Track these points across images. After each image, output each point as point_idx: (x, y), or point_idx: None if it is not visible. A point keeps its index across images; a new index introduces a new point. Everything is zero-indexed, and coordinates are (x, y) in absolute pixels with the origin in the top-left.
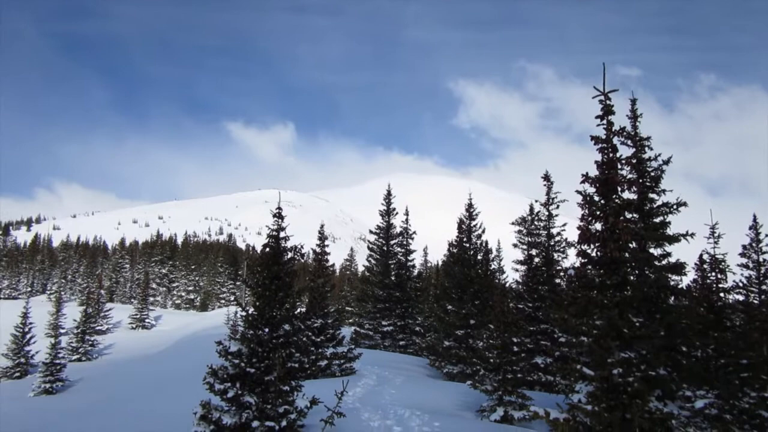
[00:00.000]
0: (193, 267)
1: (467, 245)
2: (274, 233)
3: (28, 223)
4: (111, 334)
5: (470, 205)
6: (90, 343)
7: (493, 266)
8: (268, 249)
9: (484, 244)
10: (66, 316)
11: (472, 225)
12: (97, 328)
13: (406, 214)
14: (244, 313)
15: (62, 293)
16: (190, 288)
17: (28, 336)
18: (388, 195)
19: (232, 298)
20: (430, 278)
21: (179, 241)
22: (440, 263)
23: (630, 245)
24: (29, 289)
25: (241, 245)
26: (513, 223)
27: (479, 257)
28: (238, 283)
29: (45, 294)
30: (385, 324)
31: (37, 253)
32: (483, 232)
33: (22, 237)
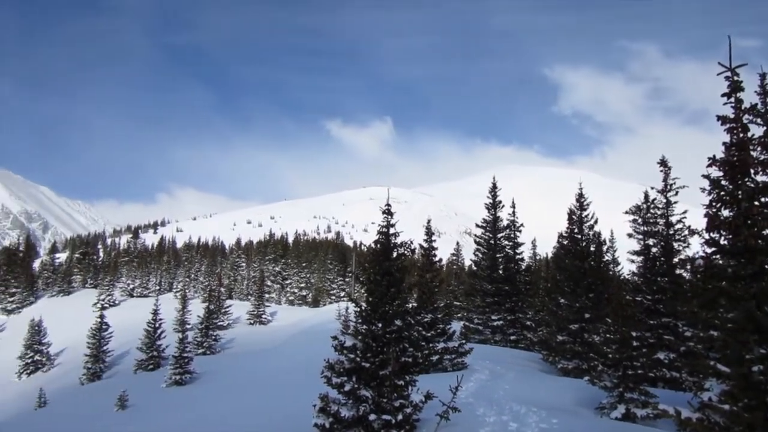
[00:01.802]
0: (304, 264)
1: (579, 236)
2: (384, 230)
3: (154, 226)
4: (231, 329)
5: (581, 195)
6: (213, 337)
7: (606, 258)
8: (378, 245)
9: (596, 235)
10: (191, 313)
11: (583, 215)
12: (219, 323)
13: (513, 206)
14: (356, 309)
15: (187, 291)
16: (302, 285)
17: (158, 331)
18: (494, 188)
19: (342, 294)
20: (540, 271)
21: (290, 239)
22: (550, 256)
23: (766, 232)
24: (158, 287)
25: (349, 242)
26: (627, 212)
27: (592, 249)
28: (347, 279)
29: (172, 292)
30: (495, 318)
31: (163, 254)
32: (595, 222)
33: (150, 239)
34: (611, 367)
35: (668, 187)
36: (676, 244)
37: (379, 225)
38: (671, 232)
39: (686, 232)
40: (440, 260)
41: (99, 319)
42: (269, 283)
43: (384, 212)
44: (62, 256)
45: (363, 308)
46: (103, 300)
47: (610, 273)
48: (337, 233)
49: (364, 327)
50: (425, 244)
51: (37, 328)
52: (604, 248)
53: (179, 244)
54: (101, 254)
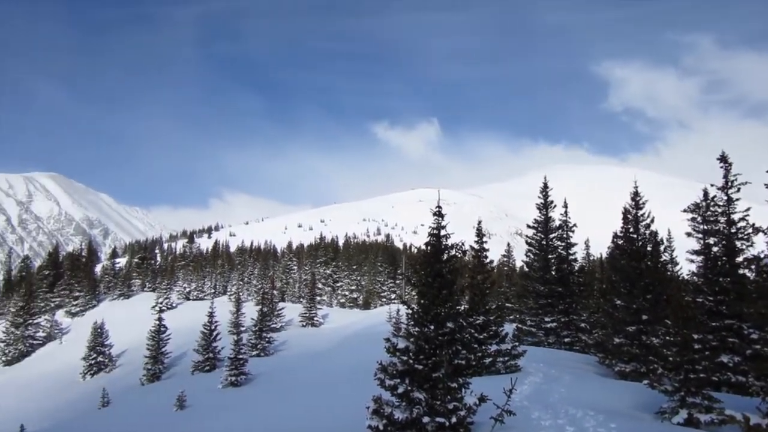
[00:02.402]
0: (354, 267)
1: (634, 236)
2: (435, 231)
3: (209, 231)
4: (284, 331)
5: (636, 194)
6: (267, 339)
7: (664, 258)
8: (429, 247)
9: (652, 235)
10: (245, 315)
11: (638, 214)
12: (272, 325)
13: (565, 206)
14: (408, 311)
15: (240, 294)
16: (353, 287)
17: (214, 333)
18: (545, 188)
19: (393, 296)
20: (594, 272)
21: (340, 242)
22: (604, 256)
23: None
24: (213, 290)
25: (399, 244)
26: (685, 211)
27: (648, 248)
28: (397, 281)
29: (226, 295)
30: (548, 320)
31: (217, 258)
32: (651, 221)
33: (204, 244)
34: (672, 371)
35: (729, 183)
36: (738, 243)
37: (430, 227)
38: (733, 231)
39: (750, 231)
40: (491, 262)
41: (157, 322)
42: (320, 285)
43: (434, 214)
44: (122, 261)
45: (415, 310)
46: (161, 303)
47: (668, 273)
48: (387, 235)
49: (416, 329)
50: (476, 246)
51: (99, 330)
52: (662, 248)
53: (233, 248)
54: (159, 259)
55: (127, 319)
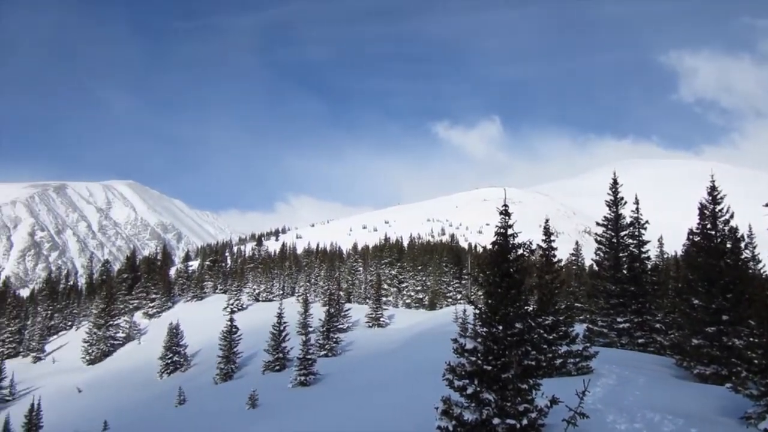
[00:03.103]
0: (419, 267)
1: (712, 233)
2: (502, 230)
3: (276, 233)
4: (351, 332)
5: (713, 188)
6: (334, 340)
7: (745, 255)
8: (496, 246)
9: (732, 231)
10: (312, 316)
11: (716, 210)
12: (339, 326)
13: (636, 202)
14: (475, 311)
15: (308, 295)
16: (419, 288)
17: (283, 334)
18: (614, 183)
19: (459, 296)
20: (669, 270)
21: (405, 243)
22: (679, 254)
23: None
24: (281, 292)
25: (464, 244)
26: (766, 205)
27: (728, 245)
28: (463, 281)
29: (294, 296)
30: (620, 321)
31: (285, 259)
32: (731, 217)
33: (272, 246)
34: (757, 374)
35: None
36: None
37: (496, 226)
38: None
39: None
40: (559, 261)
41: (229, 323)
42: (386, 286)
43: (501, 213)
44: (194, 264)
45: (482, 310)
46: (232, 304)
47: (750, 271)
48: (452, 235)
49: (484, 329)
50: (544, 245)
51: (174, 331)
52: (742, 244)
53: (299, 250)
54: (229, 261)
55: (200, 320)
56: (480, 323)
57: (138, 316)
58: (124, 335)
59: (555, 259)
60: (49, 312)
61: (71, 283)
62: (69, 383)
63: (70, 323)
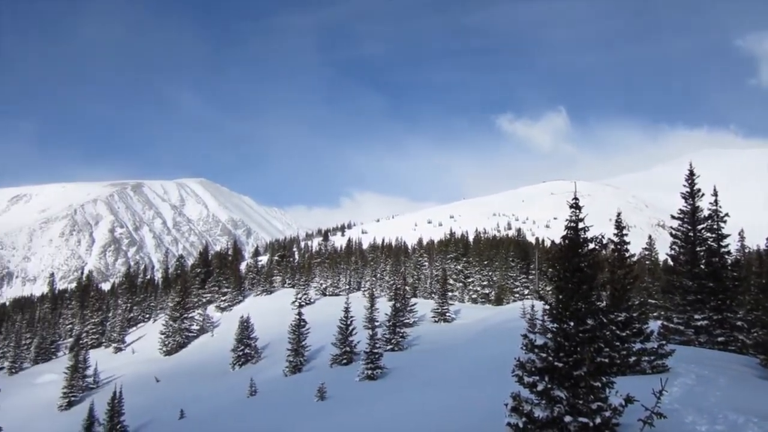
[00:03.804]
0: (485, 262)
1: None
2: (573, 224)
3: (342, 229)
4: (417, 326)
5: None
6: (400, 334)
7: None
8: (566, 241)
9: None
10: (378, 310)
11: None
12: (405, 321)
13: (714, 194)
14: (545, 307)
15: (374, 290)
16: (485, 283)
17: (350, 328)
18: (691, 175)
19: (526, 291)
20: (751, 265)
21: (470, 238)
22: (762, 248)
23: None
24: (347, 286)
25: (530, 239)
26: None
27: None
28: (530, 276)
29: (360, 291)
30: (698, 318)
31: (351, 254)
32: None
33: (338, 241)
34: None
35: None
36: None
37: (566, 220)
38: None
39: None
40: (632, 255)
41: (297, 317)
42: (452, 281)
43: (571, 206)
44: (263, 259)
45: (552, 306)
46: (300, 299)
47: None
48: (518, 230)
49: (555, 325)
50: (615, 239)
51: (245, 324)
52: None
53: (365, 245)
54: (296, 256)
55: (270, 314)
56: (550, 319)
57: (211, 309)
58: (198, 328)
59: (627, 254)
60: (129, 305)
61: (148, 277)
62: (147, 373)
63: (148, 315)
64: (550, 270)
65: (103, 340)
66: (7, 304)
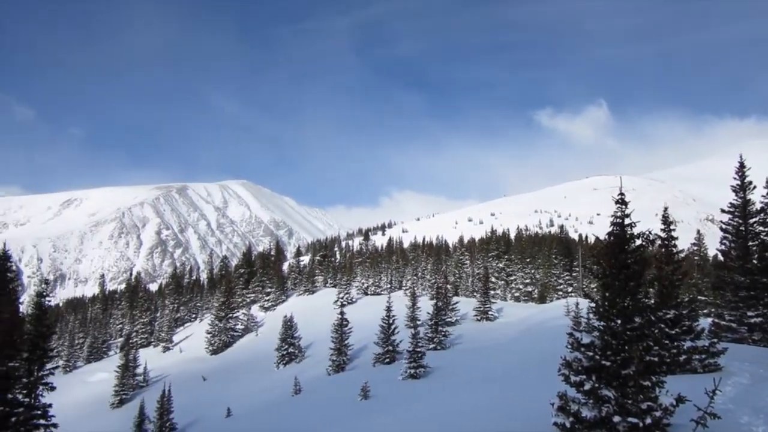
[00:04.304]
0: (528, 260)
1: None
2: (619, 220)
3: (382, 228)
4: (459, 325)
5: None
6: (443, 333)
7: None
8: (612, 237)
9: None
10: (420, 309)
11: None
12: (447, 319)
13: (767, 186)
14: (591, 305)
15: (415, 288)
16: (527, 281)
17: (392, 327)
18: (741, 167)
19: (570, 289)
20: None
21: (512, 235)
22: None
23: None
24: (389, 285)
25: (573, 236)
26: None
27: None
28: (574, 274)
29: (401, 290)
30: (752, 315)
31: (391, 253)
32: None
33: (378, 241)
34: None
35: None
36: None
37: (612, 215)
38: None
39: None
40: (681, 251)
41: (339, 316)
42: (493, 279)
43: (617, 202)
44: (305, 259)
45: (599, 303)
46: (342, 298)
47: None
48: (561, 227)
49: (601, 323)
50: (663, 234)
51: (289, 323)
52: None
53: (405, 244)
54: (338, 256)
55: (312, 313)
56: (596, 317)
57: (255, 309)
58: (242, 327)
59: (675, 250)
60: (176, 305)
61: (194, 277)
62: (195, 371)
63: (194, 315)
64: (596, 267)
65: (152, 340)
66: (61, 304)
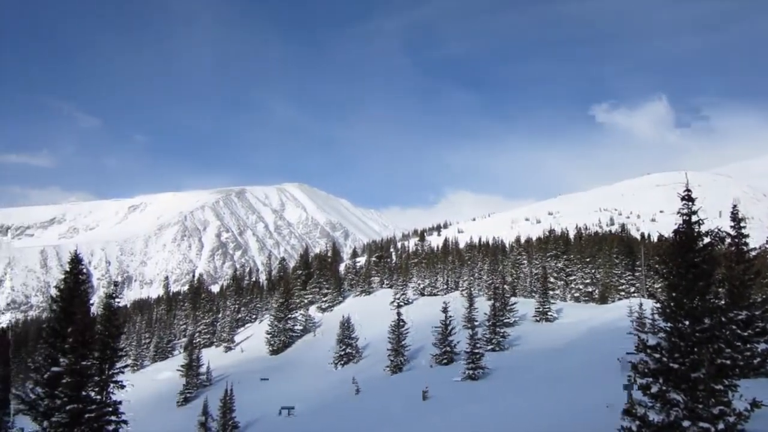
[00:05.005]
0: (588, 260)
1: None
2: (685, 217)
3: (438, 228)
4: (518, 326)
5: None
6: (501, 334)
7: None
8: (678, 235)
9: None
10: (477, 310)
11: None
12: (505, 320)
13: None
14: (656, 305)
15: (472, 289)
16: (587, 281)
17: (449, 328)
18: None
19: (632, 289)
20: None
21: (571, 234)
22: None
23: None
24: (445, 286)
25: (635, 234)
26: None
27: None
28: (637, 274)
29: (458, 290)
30: None
31: (447, 254)
32: None
33: (434, 241)
34: None
35: None
36: None
37: (678, 213)
38: None
39: None
40: (752, 249)
41: (396, 317)
42: (552, 279)
43: (683, 198)
44: (361, 260)
45: (665, 304)
46: (399, 299)
47: None
48: (622, 225)
49: (668, 325)
50: (732, 232)
51: (346, 324)
52: None
53: (461, 245)
54: (394, 257)
55: (369, 314)
56: (662, 318)
57: (312, 309)
58: (301, 328)
59: (747, 248)
60: (237, 306)
61: (253, 279)
62: (255, 371)
63: (254, 316)
64: (661, 266)
65: (214, 340)
66: (128, 305)
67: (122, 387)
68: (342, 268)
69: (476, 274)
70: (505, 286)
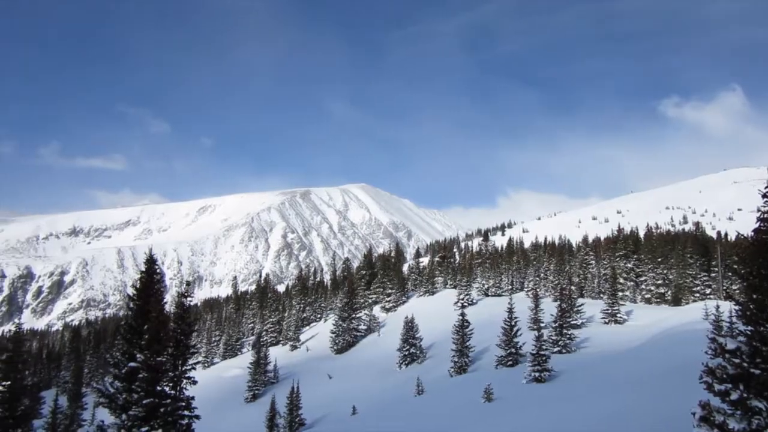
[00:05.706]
0: (659, 260)
1: None
2: (766, 215)
3: (501, 228)
4: (585, 328)
5: None
6: (567, 336)
7: None
8: (760, 234)
9: None
10: (543, 311)
11: None
12: (572, 322)
13: None
14: (736, 308)
15: (537, 290)
16: (659, 282)
17: (515, 329)
18: None
19: (708, 291)
20: None
21: (641, 234)
22: None
23: None
24: (510, 286)
25: (711, 233)
26: None
27: None
28: (713, 274)
29: (523, 291)
30: None
31: (512, 254)
32: None
33: (498, 241)
34: None
35: None
36: None
37: (758, 210)
38: None
39: None
40: None
41: (460, 317)
42: (621, 280)
43: (764, 195)
44: (425, 260)
45: (745, 306)
46: (462, 299)
47: None
48: (696, 224)
49: (749, 328)
50: None
51: (410, 324)
52: None
53: (526, 244)
54: (457, 257)
55: (433, 314)
56: (742, 320)
57: (376, 309)
58: (365, 327)
59: None
60: (302, 305)
61: (318, 279)
62: (321, 370)
63: (319, 315)
64: (740, 267)
65: (281, 339)
66: (199, 304)
67: (194, 383)
68: (405, 268)
69: (542, 275)
70: (572, 286)
